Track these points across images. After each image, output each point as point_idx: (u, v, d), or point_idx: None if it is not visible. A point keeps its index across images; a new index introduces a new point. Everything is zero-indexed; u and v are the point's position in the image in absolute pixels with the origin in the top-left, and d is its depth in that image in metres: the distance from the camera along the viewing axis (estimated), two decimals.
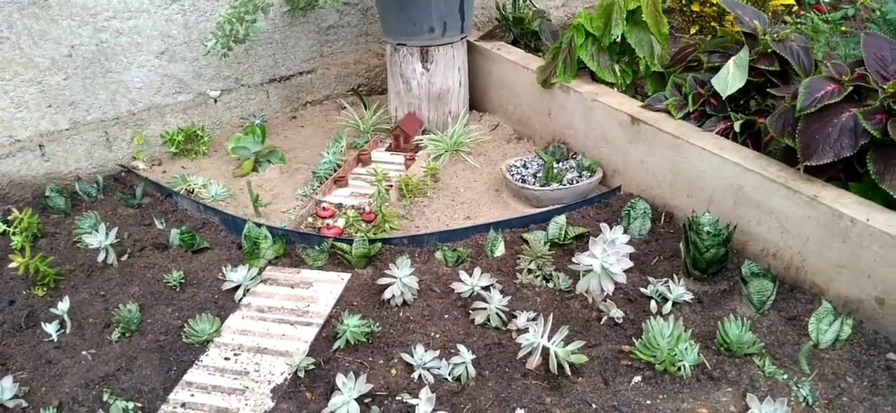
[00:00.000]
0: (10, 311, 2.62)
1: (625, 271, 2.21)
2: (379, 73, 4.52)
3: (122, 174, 3.65)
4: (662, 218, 2.83)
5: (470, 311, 2.39)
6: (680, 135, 2.69)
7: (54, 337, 2.45)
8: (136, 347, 2.38)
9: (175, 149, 3.72)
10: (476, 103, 4.07)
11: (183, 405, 2.12)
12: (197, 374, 2.25)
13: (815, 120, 2.22)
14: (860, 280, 2.14)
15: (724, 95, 2.64)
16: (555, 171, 3.03)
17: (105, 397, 2.13)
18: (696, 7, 4.17)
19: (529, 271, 2.56)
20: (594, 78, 3.31)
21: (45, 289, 2.72)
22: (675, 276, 2.45)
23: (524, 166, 3.20)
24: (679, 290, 2.34)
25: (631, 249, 2.26)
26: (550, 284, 2.51)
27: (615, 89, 3.23)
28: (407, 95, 3.74)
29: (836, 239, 2.18)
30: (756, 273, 2.31)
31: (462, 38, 3.71)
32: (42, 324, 2.50)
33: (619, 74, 3.23)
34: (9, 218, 3.08)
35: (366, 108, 4.08)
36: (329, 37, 4.34)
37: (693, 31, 4.26)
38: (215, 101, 3.97)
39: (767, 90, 2.69)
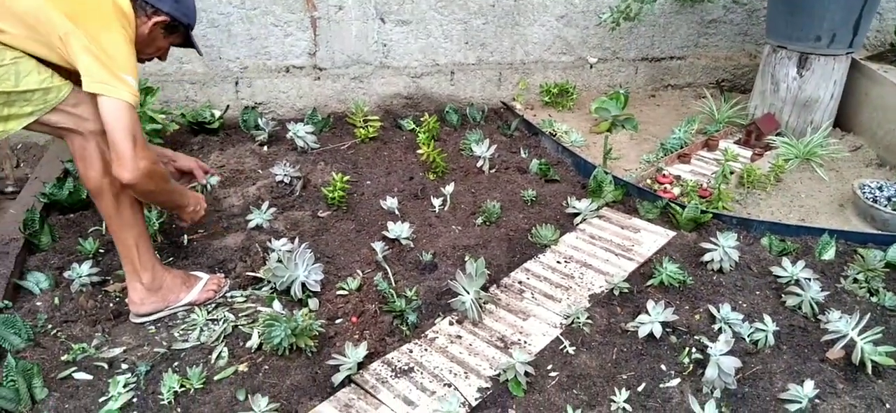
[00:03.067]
0: (410, 183, 3.44)
1: None
2: (746, 72, 4.57)
3: (502, 110, 4.36)
4: None
5: (783, 295, 2.50)
6: None
7: (436, 209, 3.18)
8: (492, 234, 2.98)
9: (548, 99, 4.31)
10: (841, 121, 3.92)
11: (519, 282, 2.65)
12: (533, 265, 2.76)
13: None
14: None
15: None
16: None
17: (466, 258, 2.75)
18: None
19: (855, 281, 2.55)
20: None
21: (435, 175, 3.49)
22: None
23: (880, 189, 3.08)
24: None
25: None
26: (874, 299, 2.47)
27: None
28: (772, 97, 3.78)
29: None
30: None
31: (847, 54, 3.61)
32: (430, 198, 3.25)
33: None
34: (420, 120, 3.95)
35: (724, 101, 4.20)
36: (708, 30, 4.52)
37: None
38: (591, 66, 4.46)
39: None
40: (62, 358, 2.19)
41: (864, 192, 3.04)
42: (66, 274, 2.55)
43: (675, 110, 4.33)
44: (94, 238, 2.79)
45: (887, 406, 1.99)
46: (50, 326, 2.32)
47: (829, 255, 2.72)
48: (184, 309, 2.44)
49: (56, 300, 2.43)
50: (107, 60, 1.94)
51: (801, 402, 1.99)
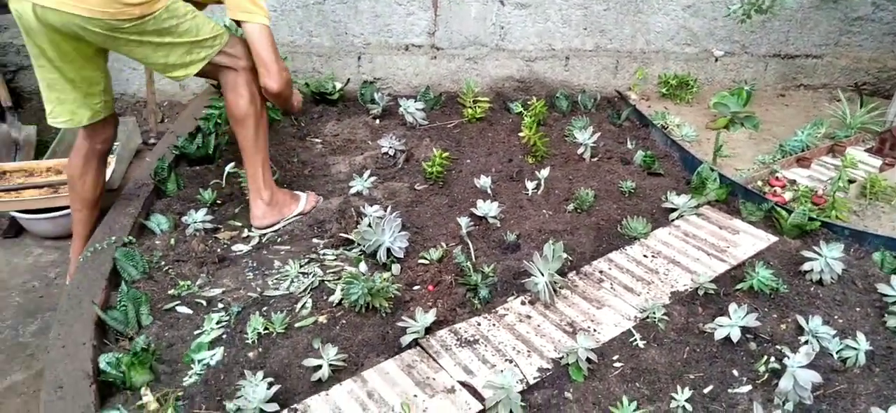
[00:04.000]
0: (509, 165, 3.46)
1: None
2: (893, 76, 4.17)
3: (615, 99, 4.27)
4: None
5: (885, 315, 2.30)
6: None
7: (529, 192, 3.19)
8: (581, 222, 2.95)
9: (665, 90, 4.17)
10: None
11: (600, 271, 2.61)
12: (618, 256, 2.71)
13: None
14: None
15: None
16: None
17: (550, 242, 2.75)
18: None
19: None
20: None
21: (534, 159, 3.49)
22: None
23: None
24: None
25: None
26: None
27: None
28: None
29: None
30: None
31: None
32: (525, 181, 3.27)
33: None
34: (528, 103, 3.96)
35: (861, 105, 3.86)
36: (853, 28, 4.16)
37: None
38: (716, 60, 4.25)
39: None
40: (169, 292, 2.44)
41: None
42: (184, 219, 2.83)
43: (805, 112, 4.03)
44: (213, 190, 3.06)
45: None
46: (163, 264, 2.59)
47: None
48: (296, 219, 2.86)
49: (172, 241, 2.71)
50: None
51: None
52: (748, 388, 2.03)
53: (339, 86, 4.18)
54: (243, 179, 3.03)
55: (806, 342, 2.17)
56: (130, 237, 2.66)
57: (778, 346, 2.17)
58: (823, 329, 2.19)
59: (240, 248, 2.74)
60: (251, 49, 2.50)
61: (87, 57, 2.40)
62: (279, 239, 2.80)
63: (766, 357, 2.12)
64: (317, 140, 3.71)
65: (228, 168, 3.15)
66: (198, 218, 2.79)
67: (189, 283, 2.49)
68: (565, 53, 4.23)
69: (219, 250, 2.70)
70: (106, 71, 2.55)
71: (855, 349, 2.11)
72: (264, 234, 2.82)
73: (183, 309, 2.37)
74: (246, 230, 2.85)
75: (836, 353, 2.14)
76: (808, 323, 2.22)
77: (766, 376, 2.07)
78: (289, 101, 2.72)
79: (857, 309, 2.36)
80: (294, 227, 2.87)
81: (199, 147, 3.31)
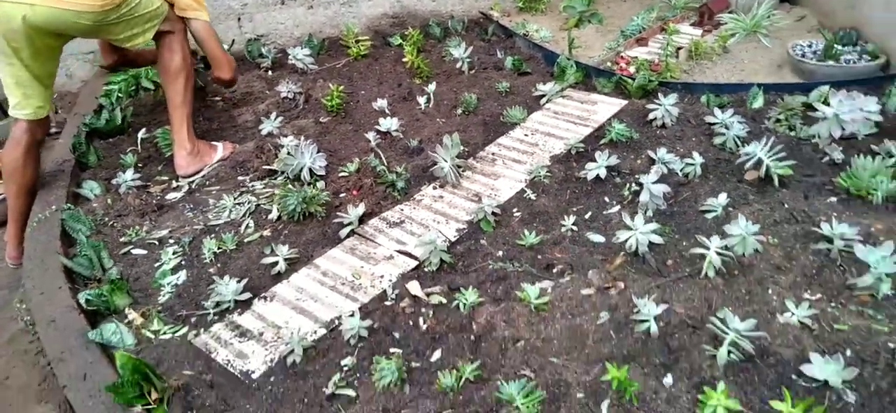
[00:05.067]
0: (399, 88, 3.86)
1: (867, 135, 2.54)
2: None
3: (481, 19, 4.74)
4: None
5: (713, 136, 2.93)
6: None
7: (422, 106, 3.61)
8: (470, 121, 3.41)
9: (522, 4, 4.69)
10: None
11: (492, 153, 3.09)
12: (504, 140, 3.20)
13: None
14: None
15: None
16: (834, 50, 3.26)
17: (445, 140, 3.20)
18: None
19: (777, 120, 2.96)
20: None
21: (421, 79, 3.91)
22: None
23: (809, 46, 3.46)
24: None
25: (876, 110, 2.57)
26: (792, 132, 2.89)
27: None
28: None
29: None
30: None
31: None
32: (417, 98, 3.68)
33: None
34: (405, 35, 4.35)
35: None
36: None
37: None
38: None
39: None
40: (121, 240, 2.69)
41: (796, 51, 3.42)
42: (114, 182, 3.04)
43: (641, 3, 4.68)
44: (133, 154, 3.27)
45: (786, 206, 2.43)
46: (107, 220, 2.82)
47: (758, 104, 3.12)
48: (217, 164, 3.16)
49: (108, 201, 2.93)
50: None
51: (716, 211, 2.44)
52: (617, 207, 2.58)
53: (225, 47, 4.37)
54: (160, 139, 3.26)
55: (656, 168, 2.75)
56: (68, 206, 2.85)
57: (636, 176, 2.73)
58: (668, 156, 2.78)
59: (173, 195, 3.00)
60: (199, 44, 3.14)
61: (54, 53, 2.78)
62: (207, 183, 3.08)
63: (628, 184, 2.68)
64: (216, 98, 3.93)
65: (141, 134, 3.36)
66: (127, 178, 3.02)
67: (136, 229, 2.74)
68: None
69: (154, 201, 2.95)
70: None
71: (693, 164, 2.71)
72: (192, 181, 3.08)
73: (138, 250, 2.64)
74: (174, 181, 3.10)
75: (680, 170, 2.73)
76: (656, 154, 2.80)
77: (630, 198, 2.62)
78: (235, 82, 3.33)
79: (693, 139, 2.98)
80: (218, 171, 3.15)
81: (109, 121, 3.47)
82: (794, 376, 1.78)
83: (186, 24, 3.06)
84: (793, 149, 2.80)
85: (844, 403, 1.71)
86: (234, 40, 4.44)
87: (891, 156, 2.58)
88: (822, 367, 1.75)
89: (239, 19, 4.47)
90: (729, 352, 1.85)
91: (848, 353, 1.82)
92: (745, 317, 1.91)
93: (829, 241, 2.19)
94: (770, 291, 2.08)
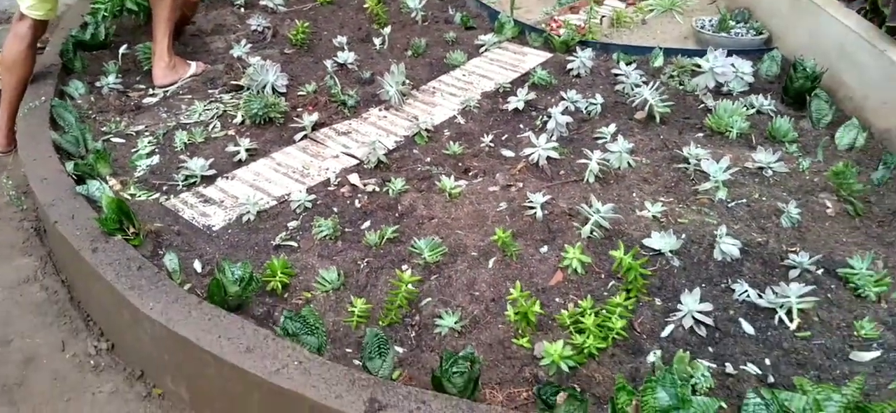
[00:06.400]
0: (358, 31, 4.25)
1: (741, 92, 3.05)
2: None
3: None
4: (792, 67, 3.46)
5: (617, 85, 3.40)
6: (822, 4, 3.28)
7: (377, 47, 4.01)
8: (419, 63, 3.83)
9: None
10: None
11: (433, 87, 3.52)
12: (445, 78, 3.63)
13: None
14: (892, 114, 2.73)
15: None
16: (727, 24, 3.77)
17: (392, 68, 3.61)
18: None
19: (671, 76, 3.45)
20: None
21: (379, 25, 4.30)
22: (771, 98, 3.17)
23: (709, 20, 3.96)
24: (766, 102, 3.08)
25: (749, 72, 3.08)
26: (681, 86, 3.39)
27: None
28: None
29: (887, 83, 2.76)
30: (821, 99, 2.96)
31: None
32: (373, 39, 4.08)
33: None
34: None
35: None
36: None
37: None
38: None
39: None
40: (102, 130, 3.05)
41: (697, 23, 3.92)
42: (97, 84, 3.39)
43: None
44: (114, 64, 3.60)
45: (661, 137, 2.92)
46: (90, 114, 3.17)
47: (658, 63, 3.61)
48: (190, 78, 3.50)
49: (92, 99, 3.28)
50: None
51: (605, 138, 2.91)
52: (529, 133, 3.03)
53: None
54: (140, 54, 3.61)
55: (566, 108, 3.22)
56: (56, 98, 3.19)
57: (549, 110, 3.19)
58: (577, 97, 3.24)
59: (150, 100, 3.36)
60: None
61: None
62: (180, 92, 3.44)
63: (540, 116, 3.14)
64: (190, 27, 4.26)
65: (122, 49, 3.69)
66: (110, 81, 3.37)
67: (116, 123, 3.10)
68: None
69: (132, 103, 3.31)
70: None
71: (595, 104, 3.18)
72: (167, 91, 3.44)
73: (117, 139, 3.00)
74: (151, 90, 3.45)
75: (585, 108, 3.19)
76: (566, 94, 3.27)
77: (540, 126, 3.08)
78: (196, 7, 3.95)
79: (600, 86, 3.45)
80: (190, 84, 3.51)
81: (93, 35, 3.78)
82: (639, 247, 2.26)
83: None
84: (677, 98, 3.29)
85: (671, 266, 2.20)
86: None
87: (752, 107, 3.09)
88: (658, 240, 2.24)
89: None
90: (592, 230, 2.32)
91: (683, 236, 2.31)
92: (610, 210, 2.38)
93: (687, 161, 2.68)
94: (635, 195, 2.57)
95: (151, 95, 3.40)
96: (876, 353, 1.94)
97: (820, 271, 2.21)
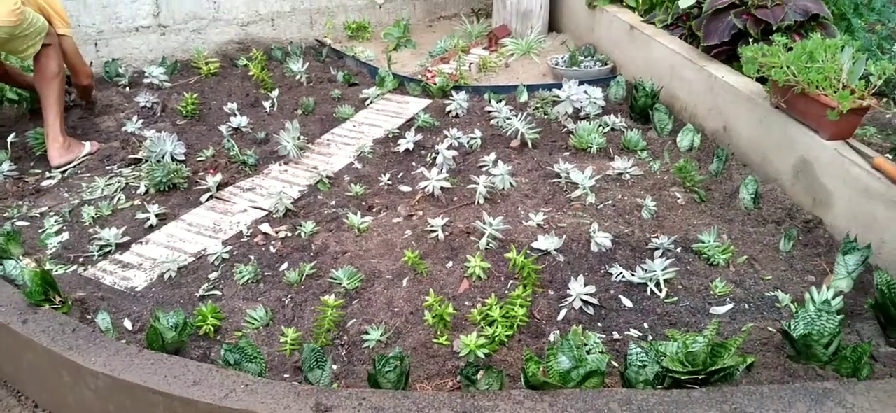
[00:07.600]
0: (246, 98, 4.39)
1: (596, 115, 3.49)
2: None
3: (317, 45, 5.39)
4: (634, 89, 3.99)
5: (491, 119, 3.77)
6: (652, 35, 3.84)
7: (267, 109, 4.18)
8: (310, 119, 4.02)
9: (350, 33, 5.39)
10: (554, 25, 5.33)
11: (327, 140, 3.73)
12: (337, 130, 3.85)
13: (713, 18, 3.32)
14: (717, 116, 3.26)
15: (681, 10, 3.75)
16: (578, 59, 4.28)
17: (287, 125, 3.78)
18: None
19: (536, 107, 3.87)
20: (623, 3, 4.48)
21: (266, 90, 4.47)
22: (621, 116, 3.66)
23: (562, 58, 4.46)
24: (617, 120, 3.55)
25: (601, 97, 3.53)
26: (545, 115, 3.81)
27: (636, 13, 4.37)
28: (502, 12, 5.11)
29: (709, 92, 3.30)
30: (662, 112, 3.48)
31: None
32: (262, 103, 4.24)
33: (639, 1, 4.37)
34: (250, 56, 4.89)
35: (477, 22, 5.50)
36: None
37: None
38: (380, 7, 5.59)
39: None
40: (4, 216, 3.00)
41: (552, 62, 4.41)
42: None
43: (446, 32, 5.56)
44: (4, 152, 3.53)
45: (535, 159, 3.30)
46: None
47: (523, 98, 4.03)
48: (85, 157, 3.51)
49: None
50: (62, 12, 3.52)
51: (488, 165, 3.24)
52: (422, 169, 3.31)
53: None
54: (31, 140, 3.56)
55: (449, 144, 3.53)
56: None
57: (436, 148, 3.48)
58: (459, 134, 3.57)
59: (48, 182, 3.32)
60: (66, 57, 3.58)
61: None
62: (78, 172, 3.43)
63: (429, 154, 3.43)
64: (78, 105, 4.23)
65: (11, 138, 3.63)
66: (4, 169, 3.30)
67: (17, 208, 3.06)
68: (271, 16, 5.22)
69: (31, 187, 3.27)
70: None
71: (475, 138, 3.52)
72: (64, 171, 3.42)
73: (21, 223, 2.96)
74: (47, 172, 3.42)
75: (467, 143, 3.52)
76: (449, 132, 3.58)
77: (430, 162, 3.37)
78: (92, 91, 3.99)
79: (477, 124, 3.80)
80: (87, 163, 3.51)
81: None
82: (528, 250, 2.56)
83: (61, 39, 3.48)
84: (544, 125, 3.70)
85: (557, 262, 2.52)
86: (91, 62, 4.72)
87: (607, 125, 3.55)
88: (544, 242, 2.56)
89: (96, 44, 4.76)
90: (488, 242, 2.61)
91: (563, 237, 2.65)
92: (500, 223, 2.68)
93: (559, 175, 3.05)
94: (519, 209, 2.89)
95: (49, 178, 3.37)
96: (729, 306, 2.33)
97: (678, 249, 2.61)
